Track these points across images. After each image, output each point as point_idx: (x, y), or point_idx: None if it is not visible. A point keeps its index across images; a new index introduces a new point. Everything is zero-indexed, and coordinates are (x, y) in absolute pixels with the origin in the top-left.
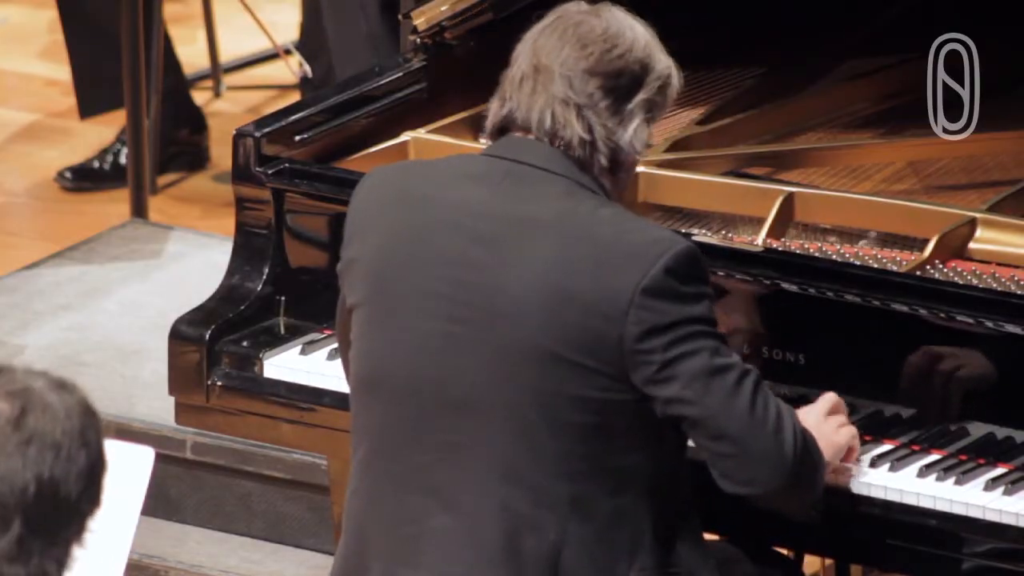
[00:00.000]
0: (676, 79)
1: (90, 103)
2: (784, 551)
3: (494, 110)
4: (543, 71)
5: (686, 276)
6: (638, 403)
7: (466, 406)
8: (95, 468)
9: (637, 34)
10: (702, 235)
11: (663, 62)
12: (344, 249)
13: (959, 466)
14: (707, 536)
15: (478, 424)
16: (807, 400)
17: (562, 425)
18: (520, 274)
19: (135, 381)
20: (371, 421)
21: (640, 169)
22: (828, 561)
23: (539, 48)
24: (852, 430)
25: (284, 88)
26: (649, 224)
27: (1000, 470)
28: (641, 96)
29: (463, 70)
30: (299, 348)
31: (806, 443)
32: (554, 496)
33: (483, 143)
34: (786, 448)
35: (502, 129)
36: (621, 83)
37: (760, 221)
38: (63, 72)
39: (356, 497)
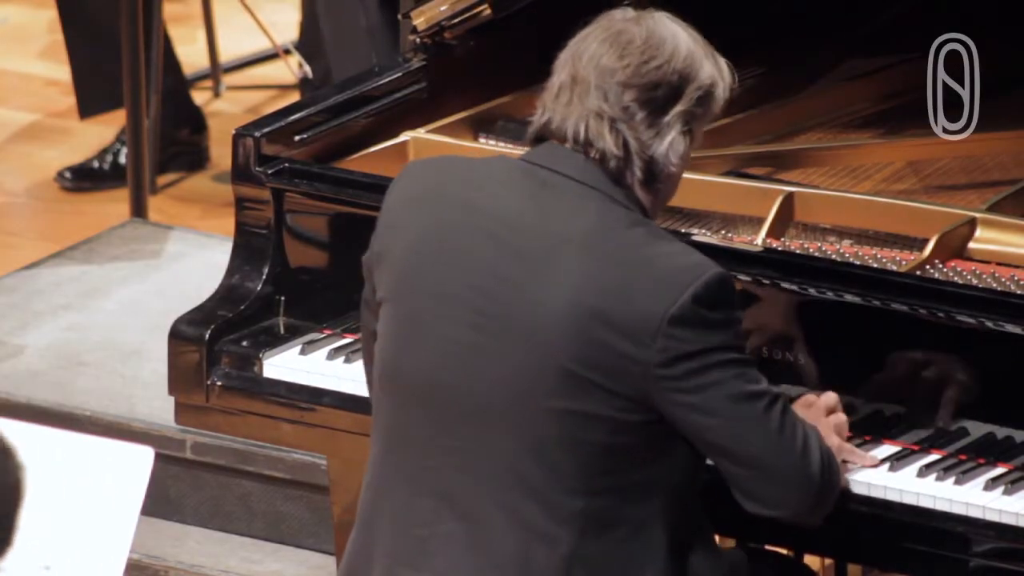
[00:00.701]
0: (721, 89)
1: (90, 103)
2: (784, 551)
3: (535, 118)
4: (580, 82)
5: (714, 303)
6: (656, 423)
7: (483, 415)
8: (2, 511)
9: (679, 43)
10: (702, 235)
11: (707, 71)
12: (374, 239)
13: (959, 466)
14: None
15: (494, 434)
16: None
17: (578, 443)
18: (547, 291)
19: (135, 381)
20: (390, 417)
21: None
22: (828, 561)
23: (577, 57)
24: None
25: (284, 88)
26: (680, 247)
27: (1000, 470)
28: (679, 108)
29: (463, 70)
30: (299, 348)
31: (830, 464)
32: (568, 511)
33: (483, 143)
34: (813, 471)
35: (540, 138)
36: (658, 95)
37: (760, 221)
38: (63, 72)
39: (369, 490)
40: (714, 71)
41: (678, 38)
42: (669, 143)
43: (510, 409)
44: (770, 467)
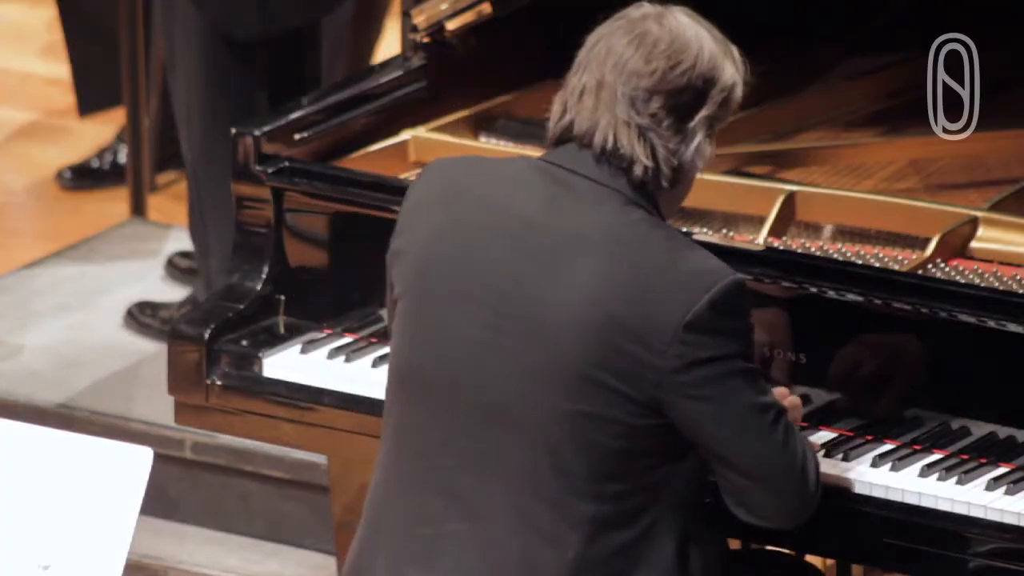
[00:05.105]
0: (740, 88)
1: (89, 100)
2: (788, 552)
3: (554, 118)
4: (606, 87)
5: (729, 311)
6: (667, 428)
7: (497, 415)
8: None
9: (703, 44)
10: (703, 234)
11: (728, 72)
12: (395, 237)
13: (961, 466)
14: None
15: (507, 435)
16: (808, 399)
17: (591, 446)
18: (564, 292)
19: (135, 381)
20: (402, 415)
21: None
22: (829, 561)
23: (603, 60)
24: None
25: None
26: (699, 253)
27: (1002, 470)
28: (703, 113)
29: (463, 68)
30: (299, 347)
31: (819, 476)
32: (577, 515)
33: (483, 142)
34: (809, 487)
35: (562, 139)
36: (684, 100)
37: (761, 220)
38: (62, 71)
39: (377, 488)
40: (734, 71)
41: (701, 39)
42: (695, 148)
43: (523, 410)
44: (771, 480)
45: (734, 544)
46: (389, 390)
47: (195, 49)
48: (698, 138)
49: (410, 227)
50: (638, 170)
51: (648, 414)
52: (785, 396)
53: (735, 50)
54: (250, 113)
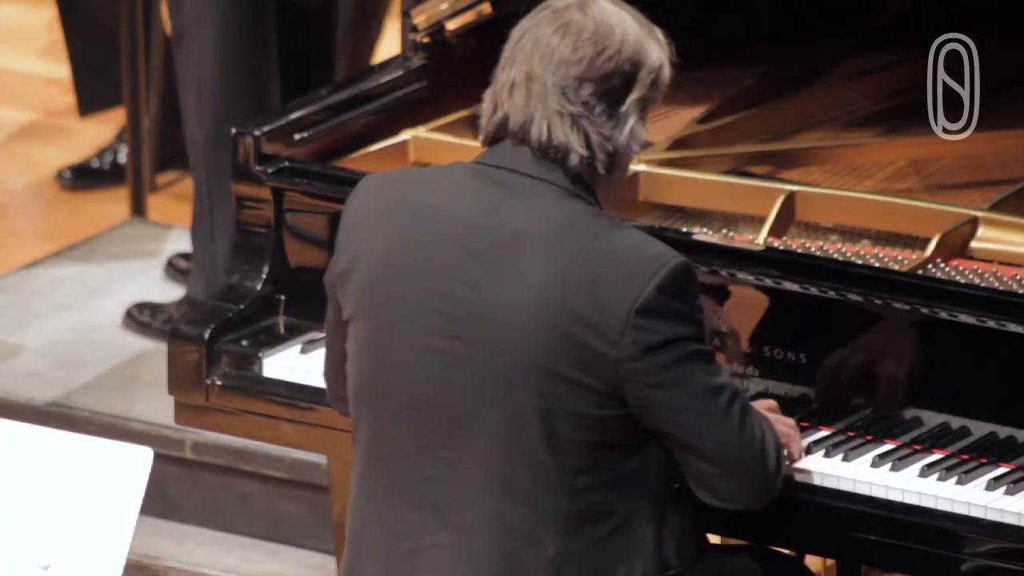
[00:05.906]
0: (667, 69)
1: (89, 100)
2: (785, 551)
3: (487, 114)
4: (535, 80)
5: (678, 293)
6: (631, 416)
7: (464, 423)
8: None
9: (627, 28)
10: (703, 234)
11: (654, 54)
12: (336, 258)
13: (961, 466)
14: (713, 539)
15: (476, 441)
16: (808, 399)
17: (560, 442)
18: (515, 292)
19: (135, 381)
20: (370, 434)
21: (641, 168)
22: (829, 561)
23: (529, 52)
24: (789, 421)
25: None
26: (641, 237)
27: (1002, 470)
28: (634, 96)
29: (463, 68)
30: (299, 347)
31: (781, 457)
32: (553, 512)
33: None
34: (770, 468)
35: (496, 136)
36: (614, 85)
37: (761, 220)
38: (62, 71)
39: (354, 508)
40: (660, 52)
41: (625, 23)
42: (629, 132)
43: (489, 414)
44: (731, 462)
45: (736, 542)
46: (353, 409)
47: (209, 21)
48: (631, 121)
49: (353, 246)
50: (574, 160)
51: (613, 404)
52: (775, 409)
53: (659, 32)
54: (264, 86)
